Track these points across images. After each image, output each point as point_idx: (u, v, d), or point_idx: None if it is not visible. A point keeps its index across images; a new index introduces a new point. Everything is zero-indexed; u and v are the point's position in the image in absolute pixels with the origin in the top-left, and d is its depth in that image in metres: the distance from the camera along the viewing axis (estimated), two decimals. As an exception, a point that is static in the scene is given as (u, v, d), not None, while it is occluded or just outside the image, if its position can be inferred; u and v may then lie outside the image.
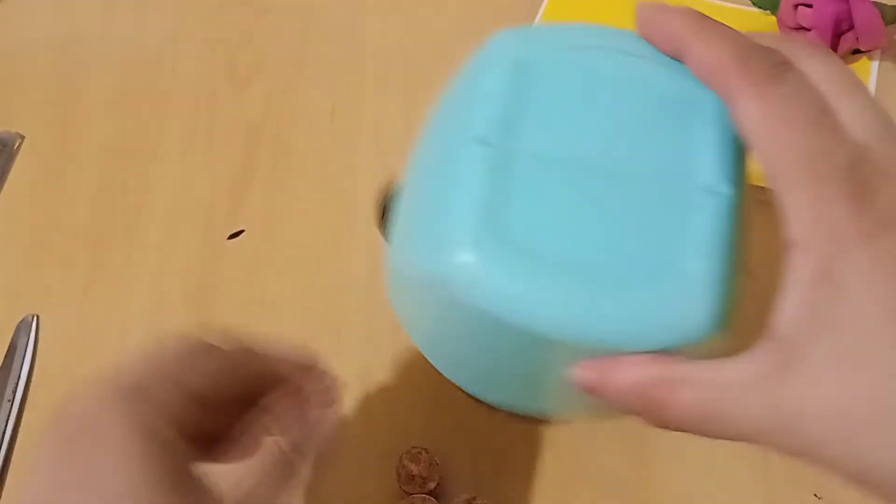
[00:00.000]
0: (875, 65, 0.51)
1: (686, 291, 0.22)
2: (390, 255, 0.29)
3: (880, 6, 0.50)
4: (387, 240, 0.33)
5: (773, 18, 0.53)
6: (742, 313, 0.23)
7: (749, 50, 0.22)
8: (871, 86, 0.51)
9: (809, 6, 0.49)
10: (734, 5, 0.55)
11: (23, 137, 0.53)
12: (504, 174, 0.23)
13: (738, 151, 0.23)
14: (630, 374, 0.22)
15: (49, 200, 0.51)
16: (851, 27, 0.49)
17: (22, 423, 0.42)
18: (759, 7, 0.54)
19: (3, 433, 0.41)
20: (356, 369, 0.42)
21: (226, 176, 0.51)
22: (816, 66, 0.22)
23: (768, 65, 0.21)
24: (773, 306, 0.21)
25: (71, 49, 0.58)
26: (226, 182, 0.50)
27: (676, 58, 0.24)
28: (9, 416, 0.42)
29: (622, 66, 0.24)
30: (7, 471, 0.41)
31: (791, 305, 0.20)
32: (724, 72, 0.22)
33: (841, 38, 0.50)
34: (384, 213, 0.37)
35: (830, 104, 0.21)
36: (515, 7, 0.56)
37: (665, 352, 0.22)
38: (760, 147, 0.21)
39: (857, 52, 0.51)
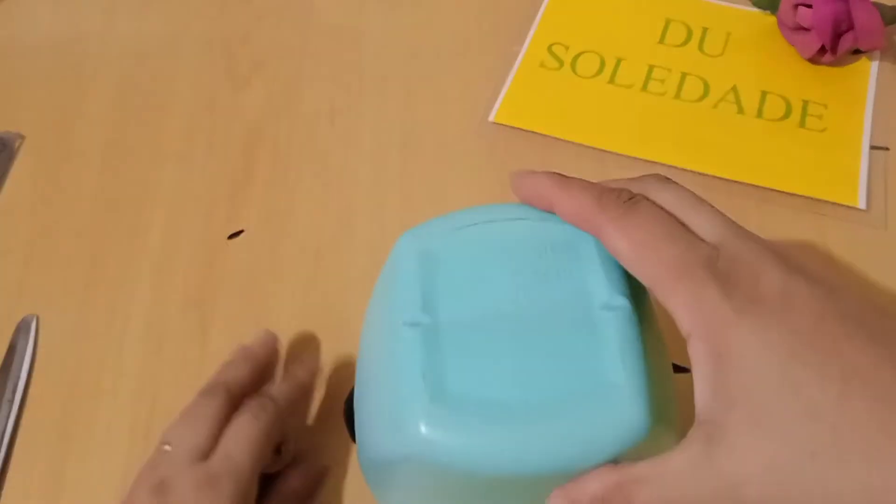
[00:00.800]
0: (875, 65, 0.51)
1: (615, 401, 0.25)
2: (360, 447, 0.32)
3: (880, 6, 0.50)
4: (354, 438, 0.35)
5: (773, 18, 0.53)
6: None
7: (603, 193, 0.26)
8: (871, 86, 0.51)
9: (809, 6, 0.49)
10: (734, 5, 0.55)
11: (23, 137, 0.54)
12: (436, 347, 0.26)
13: (623, 270, 0.27)
14: (591, 489, 0.24)
15: (49, 200, 0.51)
16: (851, 27, 0.49)
17: (22, 423, 0.42)
18: (759, 7, 0.54)
19: (3, 433, 0.41)
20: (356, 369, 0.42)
21: (226, 176, 0.51)
22: (664, 193, 0.26)
23: (621, 201, 0.26)
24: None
25: (71, 49, 0.58)
26: (226, 182, 0.50)
27: (549, 211, 0.28)
28: (9, 416, 0.42)
29: (509, 230, 0.28)
30: (7, 471, 0.41)
31: (702, 389, 0.23)
32: (587, 215, 0.26)
33: (841, 38, 0.50)
34: (350, 413, 0.40)
35: (681, 219, 0.25)
36: (515, 7, 0.56)
37: (618, 459, 0.24)
38: (633, 267, 0.25)
39: (856, 52, 0.51)
